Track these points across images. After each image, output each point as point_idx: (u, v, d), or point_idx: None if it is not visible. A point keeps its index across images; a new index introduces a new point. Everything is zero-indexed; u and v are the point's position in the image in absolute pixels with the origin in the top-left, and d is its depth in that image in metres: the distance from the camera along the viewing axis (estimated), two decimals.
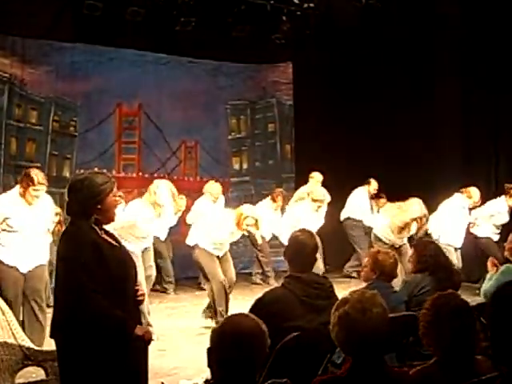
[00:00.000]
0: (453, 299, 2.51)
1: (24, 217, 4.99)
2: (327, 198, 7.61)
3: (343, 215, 9.16)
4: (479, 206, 7.55)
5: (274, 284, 8.67)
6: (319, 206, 7.42)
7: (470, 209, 7.50)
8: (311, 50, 9.55)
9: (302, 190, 8.07)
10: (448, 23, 8.40)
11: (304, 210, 7.40)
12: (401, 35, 8.81)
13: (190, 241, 6.32)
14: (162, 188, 6.03)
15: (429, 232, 7.16)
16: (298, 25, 9.15)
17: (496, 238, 7.69)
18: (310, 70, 9.86)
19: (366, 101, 9.41)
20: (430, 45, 8.73)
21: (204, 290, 8.30)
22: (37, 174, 4.99)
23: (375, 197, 9.23)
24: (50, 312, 4.74)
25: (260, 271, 9.02)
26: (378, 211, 8.97)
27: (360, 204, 9.02)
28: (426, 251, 4.32)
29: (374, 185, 9.12)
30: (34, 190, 4.94)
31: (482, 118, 8.60)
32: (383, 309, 2.33)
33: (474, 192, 7.35)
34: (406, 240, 6.83)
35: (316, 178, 8.50)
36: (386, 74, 9.12)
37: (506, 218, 7.64)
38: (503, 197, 7.59)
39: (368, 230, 8.27)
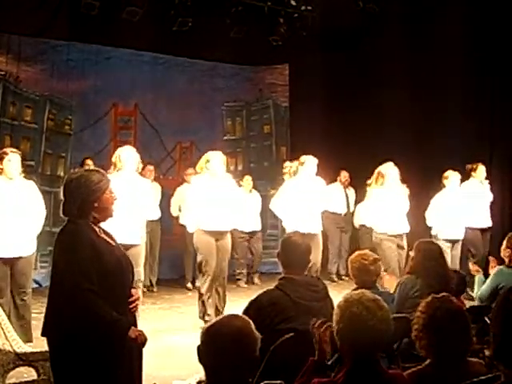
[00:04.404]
0: (447, 302, 2.51)
1: (5, 189, 5.02)
2: None
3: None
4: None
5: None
6: None
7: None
8: (308, 53, 9.55)
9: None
10: (448, 25, 8.42)
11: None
12: (398, 38, 8.82)
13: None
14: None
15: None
16: (295, 27, 9.15)
17: (484, 224, 7.63)
18: (306, 72, 9.86)
19: (362, 103, 9.41)
20: (430, 46, 8.75)
21: (189, 289, 8.40)
22: (6, 147, 5.29)
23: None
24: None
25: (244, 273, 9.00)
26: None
27: None
28: (418, 254, 4.28)
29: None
30: (9, 160, 5.05)
31: (480, 119, 8.67)
32: (388, 312, 2.34)
33: (454, 175, 7.31)
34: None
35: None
36: (384, 76, 9.13)
37: (487, 197, 7.64)
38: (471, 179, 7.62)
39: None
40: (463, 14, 8.26)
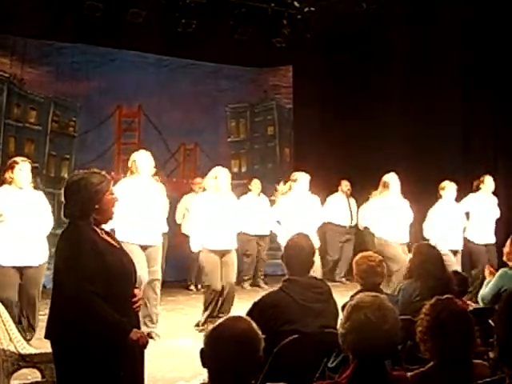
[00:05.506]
0: (451, 304, 2.51)
1: (16, 199, 5.02)
2: None
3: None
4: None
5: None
6: None
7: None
8: (311, 54, 9.55)
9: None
10: (449, 27, 8.42)
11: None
12: (401, 39, 8.82)
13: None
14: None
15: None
16: (298, 28, 9.16)
17: (488, 240, 7.44)
18: (309, 73, 9.86)
19: (366, 105, 9.41)
20: (431, 48, 8.74)
21: (191, 290, 8.47)
22: (17, 157, 5.29)
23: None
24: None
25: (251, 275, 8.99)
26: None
27: None
28: (418, 257, 4.26)
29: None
30: (20, 169, 5.04)
31: (483, 118, 8.63)
32: (397, 315, 2.33)
33: (450, 185, 7.24)
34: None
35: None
36: (387, 78, 9.13)
37: (494, 212, 7.51)
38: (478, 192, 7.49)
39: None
40: (465, 19, 8.26)
